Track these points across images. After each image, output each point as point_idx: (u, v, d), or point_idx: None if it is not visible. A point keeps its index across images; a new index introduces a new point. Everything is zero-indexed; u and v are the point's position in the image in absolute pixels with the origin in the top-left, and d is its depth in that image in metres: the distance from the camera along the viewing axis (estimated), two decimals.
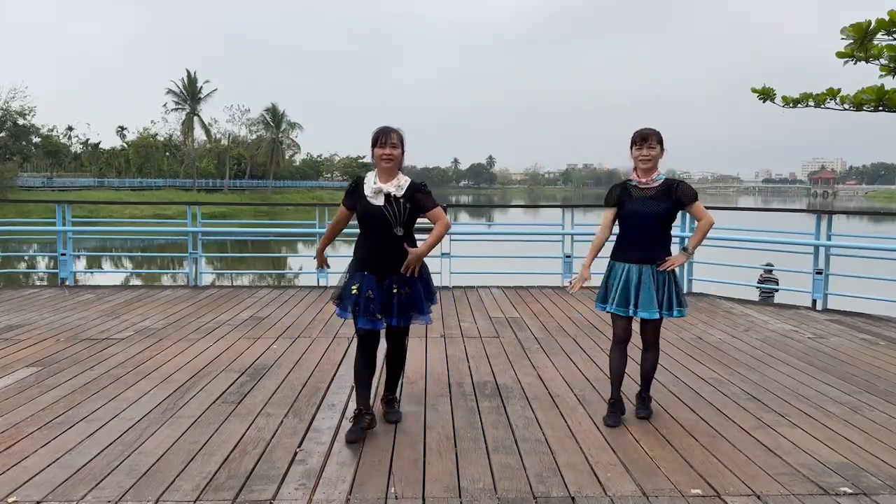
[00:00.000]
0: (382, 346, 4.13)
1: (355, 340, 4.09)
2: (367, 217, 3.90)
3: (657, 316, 4.10)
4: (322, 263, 4.41)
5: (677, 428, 4.10)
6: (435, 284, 4.20)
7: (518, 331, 6.82)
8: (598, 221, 4.49)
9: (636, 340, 4.39)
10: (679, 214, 9.11)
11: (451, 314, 7.59)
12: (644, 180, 4.10)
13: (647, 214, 4.08)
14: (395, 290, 3.88)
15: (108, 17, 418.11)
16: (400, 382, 4.50)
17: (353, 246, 4.04)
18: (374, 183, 3.89)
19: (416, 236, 4.02)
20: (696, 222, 4.26)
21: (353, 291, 3.89)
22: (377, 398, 4.40)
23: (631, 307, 4.11)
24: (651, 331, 4.23)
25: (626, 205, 4.15)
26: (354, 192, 3.97)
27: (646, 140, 4.06)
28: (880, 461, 3.63)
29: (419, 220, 4.02)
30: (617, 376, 4.25)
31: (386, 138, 3.86)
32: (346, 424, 4.06)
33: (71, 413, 4.26)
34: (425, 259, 4.00)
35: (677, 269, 4.16)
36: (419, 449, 3.74)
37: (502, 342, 6.33)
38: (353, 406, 4.43)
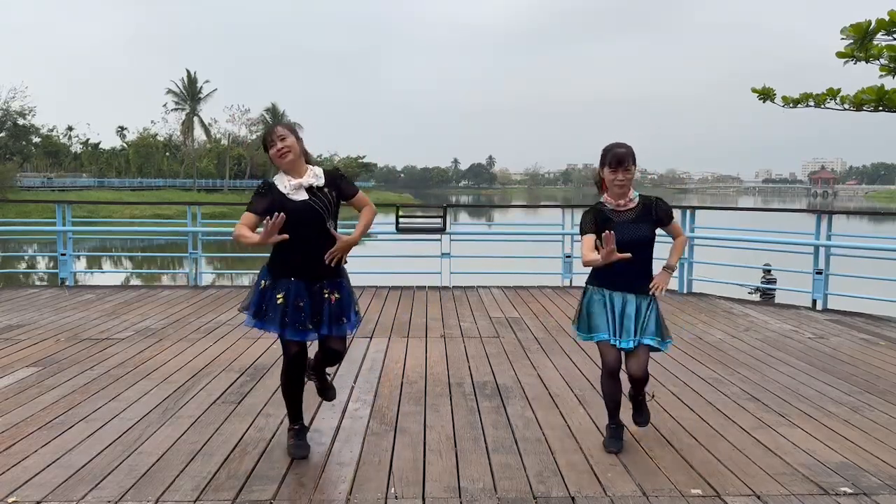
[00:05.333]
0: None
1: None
2: (295, 216, 3.38)
3: (651, 342, 3.75)
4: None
5: (677, 428, 4.10)
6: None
7: (518, 331, 6.82)
8: None
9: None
10: (679, 215, 9.21)
11: (451, 314, 7.59)
12: (620, 203, 3.76)
13: (634, 243, 3.68)
14: (325, 296, 3.51)
15: (108, 17, 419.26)
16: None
17: (271, 249, 3.55)
18: (290, 181, 3.47)
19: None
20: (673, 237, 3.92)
21: (279, 301, 3.47)
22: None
23: (620, 335, 3.75)
24: (642, 361, 3.74)
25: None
26: (269, 193, 3.49)
27: (622, 163, 3.62)
28: (880, 461, 3.63)
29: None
30: (613, 404, 3.90)
31: (272, 136, 3.46)
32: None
33: (71, 413, 4.26)
34: (346, 266, 3.65)
35: (662, 293, 3.82)
36: (419, 449, 3.74)
37: (502, 342, 6.33)
38: (352, 406, 4.46)
